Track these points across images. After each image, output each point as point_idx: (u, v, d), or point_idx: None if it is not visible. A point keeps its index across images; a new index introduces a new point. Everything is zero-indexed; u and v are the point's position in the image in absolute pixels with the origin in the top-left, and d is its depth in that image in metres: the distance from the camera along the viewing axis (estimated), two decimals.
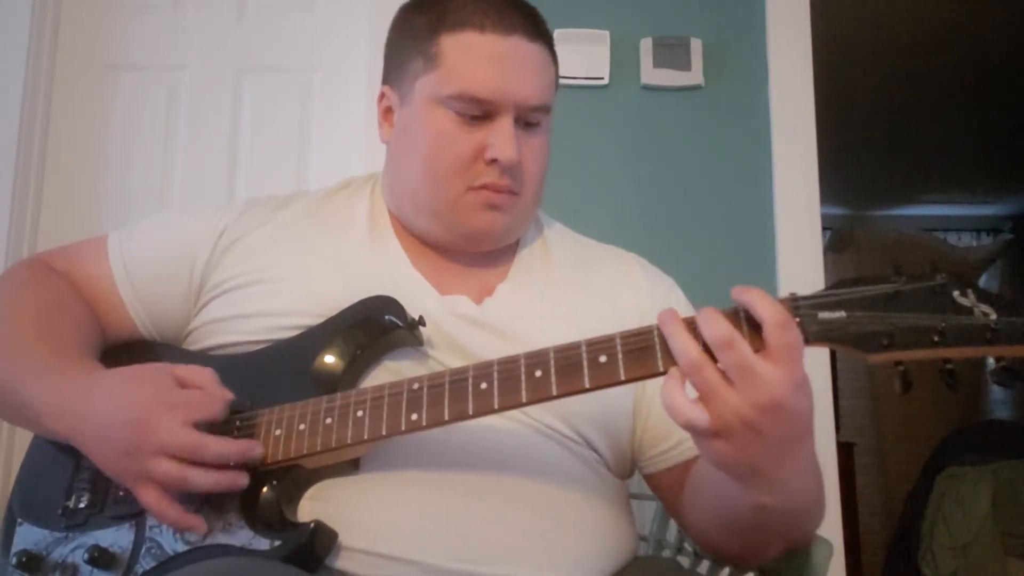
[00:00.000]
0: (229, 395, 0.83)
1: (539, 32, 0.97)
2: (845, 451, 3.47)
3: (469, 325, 0.93)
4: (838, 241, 4.70)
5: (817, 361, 1.92)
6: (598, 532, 0.90)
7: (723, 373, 0.69)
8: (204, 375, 0.84)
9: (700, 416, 0.69)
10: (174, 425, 0.78)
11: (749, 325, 0.70)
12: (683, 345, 0.70)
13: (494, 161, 0.93)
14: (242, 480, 0.80)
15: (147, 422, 0.79)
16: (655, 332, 0.74)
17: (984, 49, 3.39)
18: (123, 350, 1.00)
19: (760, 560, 0.92)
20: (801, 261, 1.95)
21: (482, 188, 0.95)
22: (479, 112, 0.93)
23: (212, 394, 0.82)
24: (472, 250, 1.00)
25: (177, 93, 2.13)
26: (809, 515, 0.84)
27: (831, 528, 1.82)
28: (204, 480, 0.78)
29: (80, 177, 2.08)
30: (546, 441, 0.90)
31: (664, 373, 0.73)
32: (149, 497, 0.79)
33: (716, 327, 0.69)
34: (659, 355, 0.73)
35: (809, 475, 0.77)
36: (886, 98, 3.82)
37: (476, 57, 0.93)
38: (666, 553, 1.20)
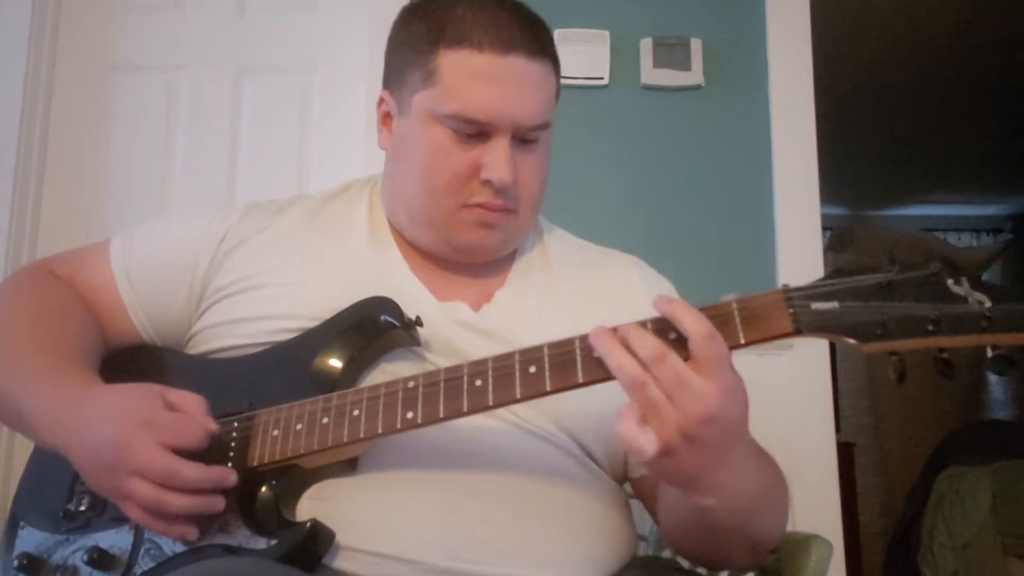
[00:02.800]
0: (213, 425, 0.82)
1: (540, 48, 0.95)
2: (845, 451, 3.46)
3: (467, 331, 0.93)
4: (838, 241, 4.69)
5: (817, 360, 1.93)
6: (597, 532, 0.90)
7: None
8: (192, 402, 0.83)
9: (651, 442, 0.70)
10: (150, 447, 0.78)
11: (673, 335, 0.71)
12: (623, 363, 0.70)
13: (488, 181, 0.93)
14: (218, 504, 0.80)
15: (126, 441, 0.79)
16: (648, 326, 0.74)
17: (984, 49, 3.39)
18: (125, 354, 1.01)
19: (730, 565, 0.92)
20: (801, 261, 1.95)
21: (476, 206, 0.94)
22: (475, 131, 0.93)
23: (195, 421, 0.82)
24: (466, 262, 1.00)
25: (177, 93, 2.13)
26: (761, 514, 0.84)
27: (831, 528, 1.82)
28: (179, 503, 0.78)
29: (80, 177, 2.08)
30: (542, 443, 0.90)
31: None
32: (133, 512, 0.80)
33: (646, 343, 0.70)
34: None
35: (747, 474, 0.78)
36: (886, 98, 3.81)
37: (473, 78, 0.92)
38: (666, 553, 1.20)
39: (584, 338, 0.76)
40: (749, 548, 0.88)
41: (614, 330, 0.73)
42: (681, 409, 0.69)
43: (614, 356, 0.71)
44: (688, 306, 0.72)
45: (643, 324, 0.73)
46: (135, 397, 0.84)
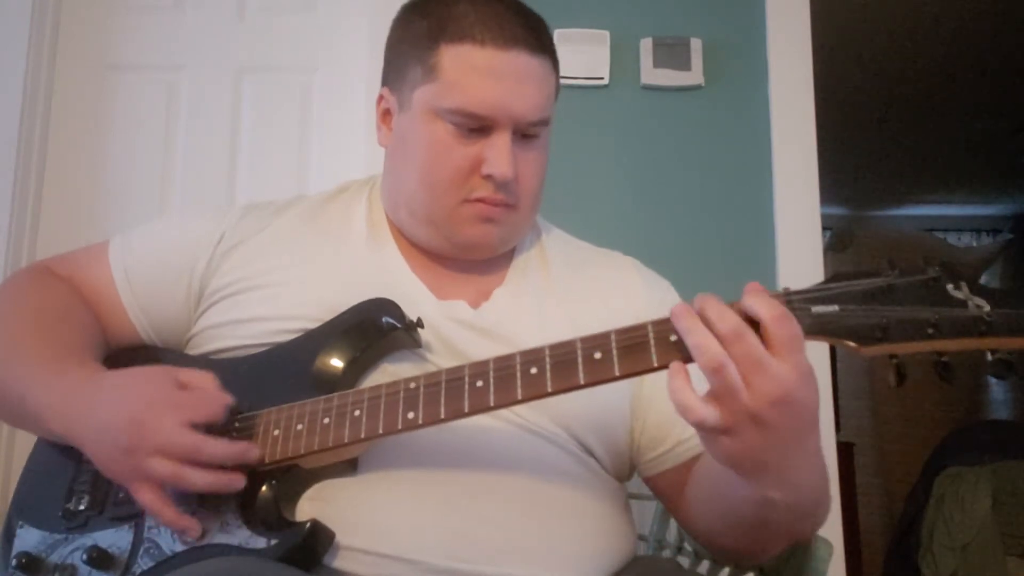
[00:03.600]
0: (229, 398, 0.83)
1: (540, 44, 0.95)
2: (845, 451, 3.47)
3: (466, 329, 0.93)
4: (838, 241, 4.70)
5: (817, 361, 1.89)
6: (596, 531, 0.90)
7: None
8: (205, 379, 0.84)
9: (712, 415, 0.69)
10: (172, 425, 0.79)
11: (746, 320, 0.70)
12: (704, 342, 0.69)
13: (490, 176, 0.93)
14: (239, 481, 0.80)
15: (146, 422, 0.79)
16: (649, 328, 0.74)
17: (984, 49, 3.39)
18: (126, 355, 1.01)
19: (764, 557, 0.92)
20: (801, 261, 1.95)
21: (477, 201, 0.95)
22: (477, 126, 0.93)
23: (212, 396, 0.83)
24: (467, 258, 1.00)
25: (177, 93, 2.13)
26: (814, 510, 0.84)
27: (831, 528, 1.81)
28: (201, 480, 0.79)
29: (80, 177, 2.08)
30: (543, 443, 0.90)
31: (658, 369, 0.74)
32: (146, 496, 0.80)
33: (727, 319, 0.69)
34: (653, 351, 0.74)
35: (815, 469, 0.77)
36: (886, 98, 3.82)
37: (474, 72, 0.92)
38: (666, 553, 1.20)
39: (585, 340, 0.76)
40: (791, 542, 0.88)
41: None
42: (754, 389, 0.68)
43: (694, 335, 0.70)
44: (761, 289, 0.71)
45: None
46: (146, 378, 0.84)
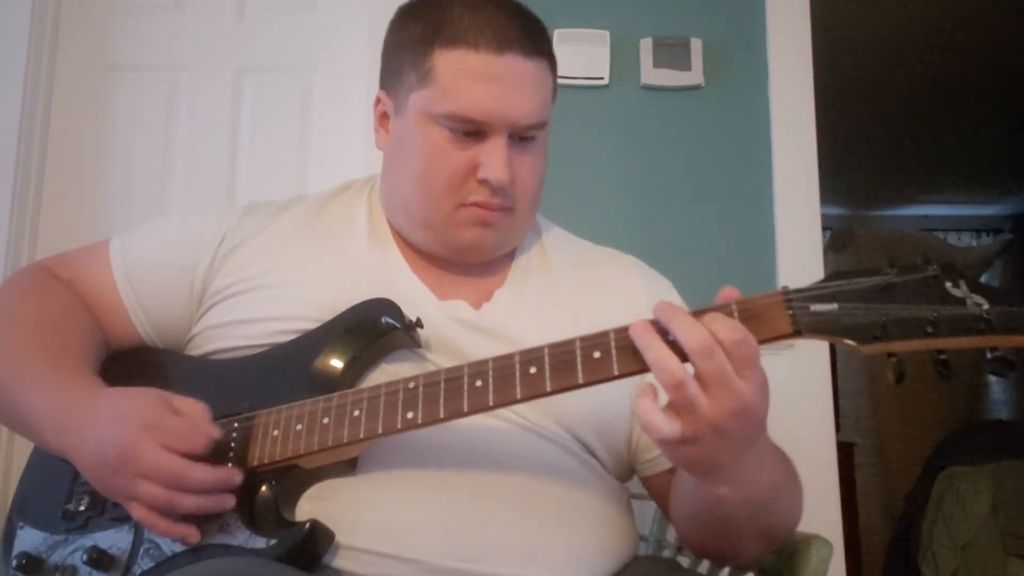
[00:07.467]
0: (216, 431, 0.83)
1: (536, 47, 0.95)
2: (845, 451, 3.46)
3: (468, 330, 0.94)
4: (838, 241, 4.69)
5: (817, 360, 1.92)
6: (597, 531, 0.91)
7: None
8: (197, 409, 0.84)
9: (674, 429, 0.71)
10: (156, 449, 0.79)
11: None
12: (664, 360, 0.70)
13: (485, 181, 0.93)
14: (228, 502, 0.80)
15: (134, 443, 0.79)
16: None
17: (984, 49, 3.39)
18: (126, 356, 1.01)
19: (743, 557, 0.92)
20: (801, 261, 1.95)
21: (474, 206, 0.95)
22: (472, 130, 0.93)
23: (199, 426, 0.82)
24: (465, 262, 1.00)
25: (177, 93, 2.13)
26: (775, 508, 0.84)
27: (831, 528, 1.82)
28: (189, 503, 0.79)
29: (80, 177, 2.08)
30: (544, 442, 0.90)
31: None
32: (137, 512, 0.80)
33: (696, 335, 0.70)
34: None
35: (764, 465, 0.78)
36: (886, 98, 3.81)
37: (469, 77, 0.92)
38: (666, 553, 1.20)
39: (584, 339, 0.77)
40: (762, 541, 0.88)
41: (655, 321, 0.73)
42: (717, 403, 0.69)
43: (655, 352, 0.71)
44: (717, 315, 0.72)
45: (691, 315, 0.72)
46: (140, 400, 0.84)
